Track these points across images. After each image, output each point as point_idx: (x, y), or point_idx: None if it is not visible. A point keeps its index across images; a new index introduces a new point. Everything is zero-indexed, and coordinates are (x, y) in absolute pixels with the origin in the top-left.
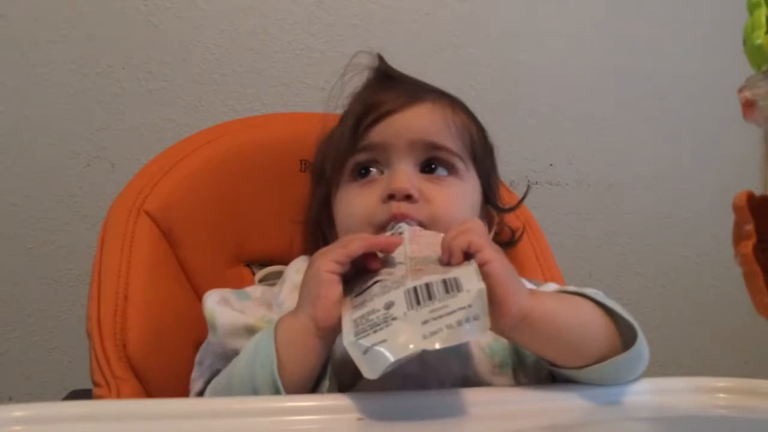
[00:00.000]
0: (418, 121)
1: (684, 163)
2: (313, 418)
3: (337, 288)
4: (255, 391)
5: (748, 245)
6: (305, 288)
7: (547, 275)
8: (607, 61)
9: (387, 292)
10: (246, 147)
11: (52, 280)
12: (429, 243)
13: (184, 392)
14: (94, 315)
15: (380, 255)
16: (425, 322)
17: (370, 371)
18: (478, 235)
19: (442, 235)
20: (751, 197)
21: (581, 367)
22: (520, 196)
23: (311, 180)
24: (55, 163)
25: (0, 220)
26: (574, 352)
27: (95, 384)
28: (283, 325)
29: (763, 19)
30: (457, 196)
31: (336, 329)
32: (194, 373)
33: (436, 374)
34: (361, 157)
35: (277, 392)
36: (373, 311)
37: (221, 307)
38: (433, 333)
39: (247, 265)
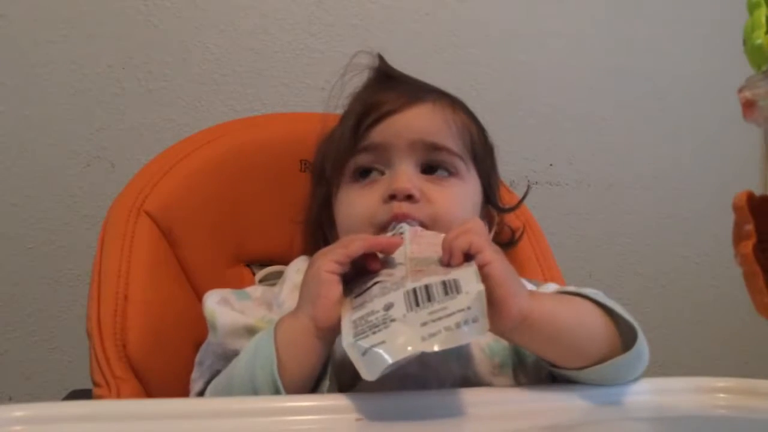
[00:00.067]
0: (418, 122)
1: (684, 163)
2: (313, 418)
3: (337, 288)
4: (255, 392)
5: (748, 245)
6: (305, 288)
7: (547, 275)
8: (607, 61)
9: (387, 293)
10: (246, 147)
11: (52, 280)
12: (430, 243)
13: (184, 392)
14: (94, 315)
15: (380, 256)
16: (424, 323)
17: (368, 372)
18: (479, 235)
19: (443, 235)
20: (751, 197)
21: (581, 368)
22: (520, 196)
23: (311, 180)
24: (55, 163)
25: (0, 220)
26: (575, 352)
27: (95, 384)
28: (283, 325)
29: (763, 19)
30: (458, 196)
31: (336, 329)
32: (194, 374)
33: (435, 375)
34: (361, 159)
35: (277, 392)
36: (373, 312)
37: (221, 307)
38: (432, 335)
39: (247, 265)
